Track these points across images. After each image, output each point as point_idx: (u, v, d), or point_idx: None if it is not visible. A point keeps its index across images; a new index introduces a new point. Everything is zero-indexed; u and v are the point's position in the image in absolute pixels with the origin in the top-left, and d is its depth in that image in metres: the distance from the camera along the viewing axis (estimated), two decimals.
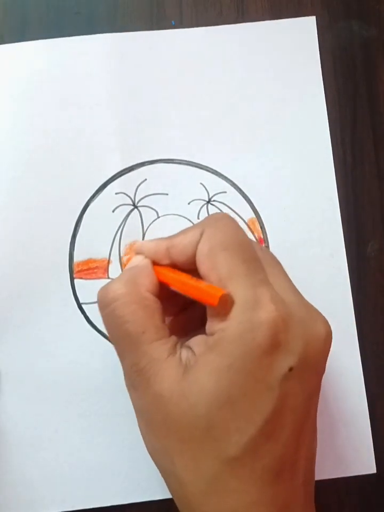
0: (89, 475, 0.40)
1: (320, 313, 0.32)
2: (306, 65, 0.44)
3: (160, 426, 0.30)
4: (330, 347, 0.31)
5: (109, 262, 0.42)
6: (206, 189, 0.43)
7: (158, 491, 0.40)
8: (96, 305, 0.40)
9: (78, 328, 0.41)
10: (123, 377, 0.32)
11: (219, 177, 0.43)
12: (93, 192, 0.42)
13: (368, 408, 0.41)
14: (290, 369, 0.29)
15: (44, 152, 0.43)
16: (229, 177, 0.43)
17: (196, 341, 0.31)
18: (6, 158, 0.43)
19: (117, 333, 0.32)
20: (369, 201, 0.44)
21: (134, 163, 0.43)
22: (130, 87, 0.44)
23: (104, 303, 0.32)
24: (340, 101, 0.45)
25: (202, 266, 0.31)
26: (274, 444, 0.29)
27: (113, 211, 0.42)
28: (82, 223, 0.42)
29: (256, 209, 0.43)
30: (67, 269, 0.42)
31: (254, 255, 0.31)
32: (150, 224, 0.42)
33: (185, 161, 0.43)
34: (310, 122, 0.44)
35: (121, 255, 0.42)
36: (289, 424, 0.29)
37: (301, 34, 0.45)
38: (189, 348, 0.31)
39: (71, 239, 0.42)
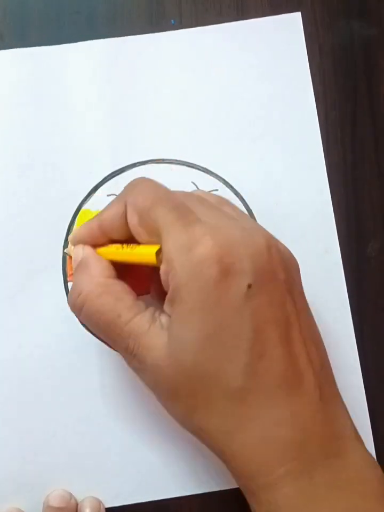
0: (89, 477, 0.40)
1: (257, 227, 0.33)
2: (294, 61, 0.44)
3: (169, 393, 0.31)
4: (277, 252, 0.31)
5: None
6: (197, 188, 0.43)
7: (157, 491, 0.40)
8: None
9: (73, 331, 0.41)
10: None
11: (210, 175, 0.43)
12: (85, 195, 0.42)
13: (368, 405, 0.41)
14: (249, 286, 0.29)
15: (34, 157, 0.43)
16: (220, 175, 0.43)
17: (165, 303, 0.31)
18: None
19: (99, 328, 0.33)
20: (369, 201, 0.44)
21: (125, 164, 0.43)
22: (118, 89, 0.44)
23: (76, 309, 0.34)
24: (340, 101, 0.44)
25: (140, 236, 0.32)
26: (269, 361, 0.30)
27: None
28: (74, 226, 0.42)
29: (248, 206, 0.43)
30: (61, 272, 0.42)
31: (179, 201, 0.32)
32: None
33: (176, 160, 0.43)
34: (300, 117, 0.44)
35: None
36: (275, 337, 0.30)
37: (287, 31, 0.45)
38: (164, 311, 0.32)
39: (64, 242, 0.42)
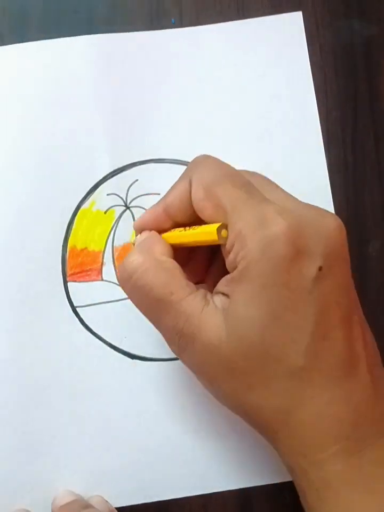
0: (89, 478, 0.40)
1: (324, 210, 0.33)
2: (295, 60, 0.44)
3: (221, 373, 0.31)
4: (345, 235, 0.32)
5: (102, 263, 0.42)
6: None
7: (158, 492, 0.40)
8: (91, 308, 0.41)
9: (73, 332, 0.41)
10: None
11: None
12: (84, 194, 0.42)
13: None
14: (320, 268, 0.30)
15: (33, 155, 0.42)
16: None
17: (223, 283, 0.31)
18: None
19: (146, 302, 0.33)
20: (370, 200, 0.44)
21: (125, 164, 0.43)
22: (119, 88, 0.43)
23: (124, 277, 0.33)
24: (340, 101, 0.44)
25: (204, 211, 0.32)
26: (331, 342, 0.30)
27: (105, 212, 0.42)
28: (74, 225, 0.42)
29: None
30: (60, 273, 0.41)
31: (246, 180, 0.32)
32: None
33: (177, 160, 0.43)
34: (301, 117, 0.44)
35: (114, 256, 0.42)
36: (338, 320, 0.30)
37: (288, 30, 0.44)
38: (219, 293, 0.31)
39: (63, 242, 0.42)
